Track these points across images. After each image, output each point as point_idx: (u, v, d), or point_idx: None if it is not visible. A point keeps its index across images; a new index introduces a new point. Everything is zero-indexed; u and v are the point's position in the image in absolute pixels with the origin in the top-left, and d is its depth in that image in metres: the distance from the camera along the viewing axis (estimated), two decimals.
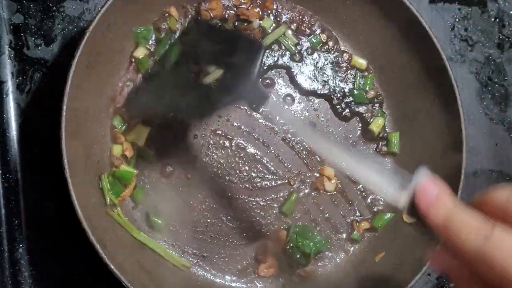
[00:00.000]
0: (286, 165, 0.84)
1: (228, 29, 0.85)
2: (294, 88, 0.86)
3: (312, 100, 0.86)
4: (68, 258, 0.83)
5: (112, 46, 0.78)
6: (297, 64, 0.87)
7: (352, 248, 0.85)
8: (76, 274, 0.84)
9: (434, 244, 0.53)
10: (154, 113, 0.82)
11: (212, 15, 0.84)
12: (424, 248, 0.57)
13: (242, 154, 0.84)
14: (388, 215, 0.84)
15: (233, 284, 0.82)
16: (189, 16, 0.84)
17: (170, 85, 0.80)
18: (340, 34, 0.88)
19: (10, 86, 0.85)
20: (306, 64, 0.87)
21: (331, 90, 0.86)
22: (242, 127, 0.84)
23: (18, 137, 0.85)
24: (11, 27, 0.86)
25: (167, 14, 0.83)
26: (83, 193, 0.73)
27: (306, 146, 0.84)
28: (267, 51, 0.86)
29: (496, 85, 0.93)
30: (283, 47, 0.86)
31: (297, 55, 0.86)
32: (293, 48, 0.86)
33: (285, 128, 0.84)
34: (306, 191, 0.85)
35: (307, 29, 0.87)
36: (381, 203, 0.86)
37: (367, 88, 0.87)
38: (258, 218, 0.83)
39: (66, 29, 0.87)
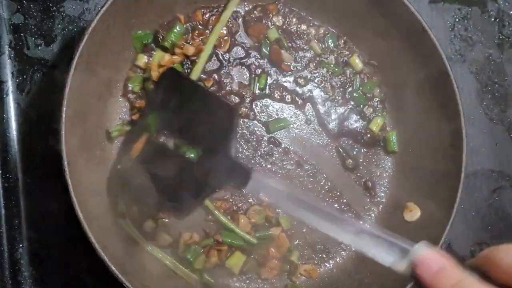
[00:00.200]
0: None
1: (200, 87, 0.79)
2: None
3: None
4: (68, 258, 0.83)
5: (112, 48, 0.78)
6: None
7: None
8: (76, 274, 0.84)
9: None
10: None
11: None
12: None
13: None
14: None
15: (237, 284, 0.83)
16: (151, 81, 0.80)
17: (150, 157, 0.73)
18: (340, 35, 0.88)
19: (10, 86, 0.85)
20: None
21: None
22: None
23: (18, 137, 0.85)
24: (11, 27, 0.86)
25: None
26: (83, 194, 0.72)
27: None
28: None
29: (496, 85, 0.93)
30: None
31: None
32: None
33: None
34: None
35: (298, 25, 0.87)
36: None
37: (368, 88, 0.87)
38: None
39: (66, 29, 0.87)
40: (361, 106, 0.87)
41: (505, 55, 0.94)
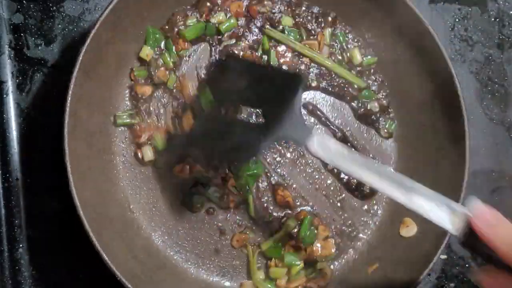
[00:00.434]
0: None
1: (263, 64, 0.83)
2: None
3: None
4: (68, 258, 0.83)
5: (115, 49, 0.78)
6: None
7: (346, 256, 0.85)
8: (76, 274, 0.84)
9: (486, 266, 0.53)
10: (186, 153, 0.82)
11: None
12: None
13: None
14: None
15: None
16: (216, 52, 0.84)
17: (206, 127, 0.79)
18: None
19: (10, 86, 0.85)
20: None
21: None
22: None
23: (18, 137, 0.85)
24: (11, 27, 0.86)
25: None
26: (84, 193, 0.72)
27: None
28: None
29: (496, 85, 0.93)
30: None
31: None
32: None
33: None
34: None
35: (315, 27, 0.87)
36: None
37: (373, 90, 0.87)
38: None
39: (66, 29, 0.87)
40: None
41: (505, 55, 0.94)
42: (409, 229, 0.82)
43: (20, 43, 0.86)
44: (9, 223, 0.84)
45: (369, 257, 0.84)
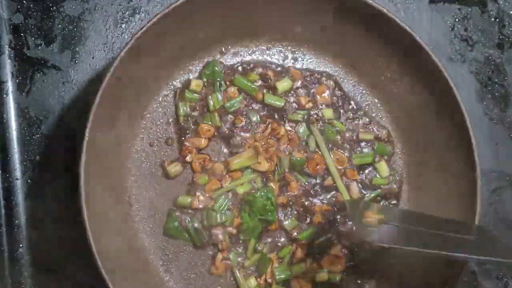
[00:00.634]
0: None
1: None
2: None
3: None
4: (68, 258, 0.83)
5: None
6: None
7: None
8: (76, 274, 0.84)
9: None
10: None
11: None
12: None
13: None
14: None
15: None
16: None
17: None
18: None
19: (10, 86, 0.85)
20: None
21: None
22: None
23: (18, 137, 0.85)
24: (11, 27, 0.86)
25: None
26: (90, 194, 0.72)
27: None
28: None
29: (496, 85, 0.93)
30: None
31: None
32: None
33: None
34: None
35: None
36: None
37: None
38: None
39: (66, 29, 0.87)
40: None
41: (505, 55, 0.94)
42: None
43: (20, 43, 0.86)
44: (9, 223, 0.83)
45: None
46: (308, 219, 0.83)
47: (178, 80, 0.84)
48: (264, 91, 0.84)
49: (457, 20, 0.93)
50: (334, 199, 0.84)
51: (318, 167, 0.83)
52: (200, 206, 0.81)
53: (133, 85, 0.78)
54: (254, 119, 0.84)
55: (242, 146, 0.83)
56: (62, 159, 0.85)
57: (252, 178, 0.82)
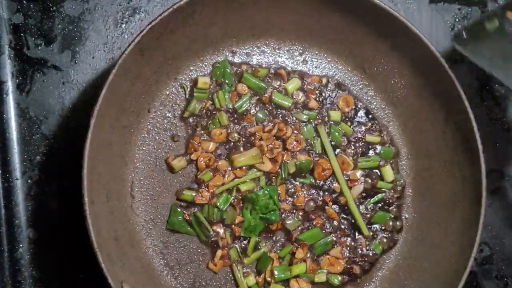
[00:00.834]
0: None
1: None
2: None
3: None
4: (68, 258, 0.83)
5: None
6: None
7: None
8: (76, 274, 0.84)
9: None
10: None
11: None
12: None
13: None
14: None
15: None
16: None
17: None
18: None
19: (10, 86, 0.85)
20: None
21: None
22: None
23: (18, 137, 0.85)
24: (11, 27, 0.86)
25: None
26: (92, 185, 0.72)
27: None
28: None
29: (496, 85, 0.93)
30: None
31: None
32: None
33: None
34: None
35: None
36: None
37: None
38: None
39: (66, 29, 0.87)
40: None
41: None
42: None
43: (20, 43, 0.86)
44: (9, 223, 0.84)
45: None
46: (311, 221, 0.83)
47: (186, 77, 0.84)
48: (272, 90, 0.84)
49: (457, 20, 0.93)
50: (338, 201, 0.84)
51: (323, 173, 0.83)
52: (203, 201, 0.81)
53: (140, 80, 0.78)
54: (261, 116, 0.84)
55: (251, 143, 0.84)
56: (62, 159, 0.85)
57: (256, 177, 0.82)
